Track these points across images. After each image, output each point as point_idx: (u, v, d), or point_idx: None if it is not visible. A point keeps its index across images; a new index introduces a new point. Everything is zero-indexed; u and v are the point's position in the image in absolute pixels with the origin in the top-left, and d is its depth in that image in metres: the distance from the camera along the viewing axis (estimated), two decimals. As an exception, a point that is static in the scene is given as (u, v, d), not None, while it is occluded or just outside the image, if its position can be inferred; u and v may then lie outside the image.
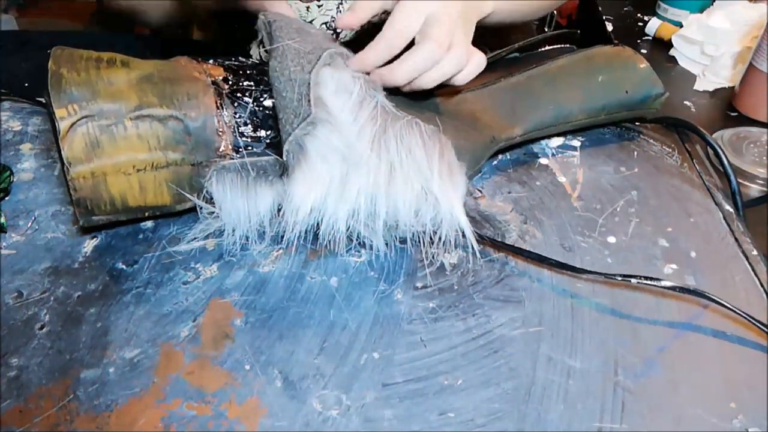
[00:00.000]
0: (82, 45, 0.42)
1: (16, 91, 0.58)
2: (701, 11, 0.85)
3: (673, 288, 0.40)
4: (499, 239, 0.46)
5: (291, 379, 0.36)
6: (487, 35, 0.57)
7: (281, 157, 0.41)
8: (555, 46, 0.62)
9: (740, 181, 0.54)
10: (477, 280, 0.43)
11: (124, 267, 0.43)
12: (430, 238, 0.43)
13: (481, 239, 0.44)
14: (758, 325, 0.38)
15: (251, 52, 0.67)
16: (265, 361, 0.37)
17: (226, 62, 0.45)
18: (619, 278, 0.41)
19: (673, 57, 0.84)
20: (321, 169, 0.41)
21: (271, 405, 0.35)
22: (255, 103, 0.43)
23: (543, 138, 0.56)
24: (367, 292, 0.41)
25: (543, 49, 0.62)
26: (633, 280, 0.41)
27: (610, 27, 0.93)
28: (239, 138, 0.42)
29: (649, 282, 0.41)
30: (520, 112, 0.52)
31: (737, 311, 0.39)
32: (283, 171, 0.42)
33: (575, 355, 0.38)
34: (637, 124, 0.59)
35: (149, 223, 0.46)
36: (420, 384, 0.36)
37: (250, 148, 0.42)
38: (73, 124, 0.38)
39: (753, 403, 0.35)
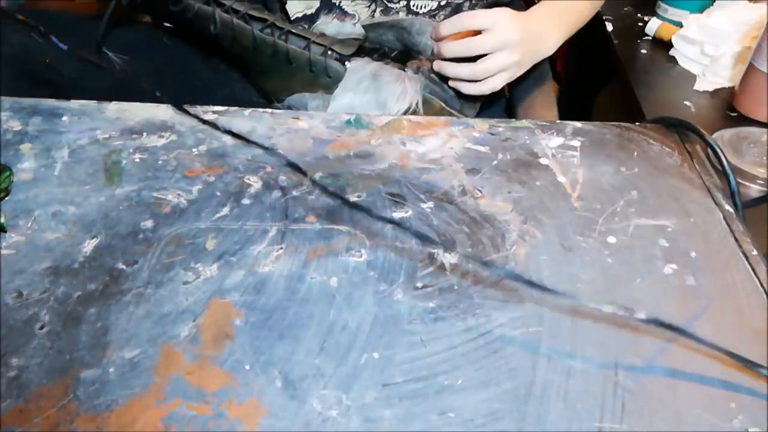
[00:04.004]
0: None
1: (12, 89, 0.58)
2: (701, 11, 0.85)
3: (647, 321, 0.36)
4: (499, 239, 0.46)
5: (291, 379, 0.36)
6: None
7: None
8: None
9: (740, 181, 0.54)
10: (477, 280, 0.43)
11: (124, 267, 0.43)
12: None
13: (476, 260, 0.44)
14: (735, 359, 0.37)
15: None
16: (265, 361, 0.37)
17: None
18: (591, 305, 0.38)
19: (673, 57, 0.84)
20: None
21: (271, 405, 0.35)
22: None
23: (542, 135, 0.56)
24: (367, 292, 0.41)
25: None
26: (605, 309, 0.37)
27: (610, 27, 0.93)
28: None
29: (623, 314, 0.37)
30: None
31: (713, 346, 0.37)
32: None
33: (575, 355, 0.38)
34: (637, 124, 0.59)
35: (149, 223, 0.46)
36: (420, 384, 0.36)
37: None
38: None
39: (753, 403, 0.35)
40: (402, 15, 0.71)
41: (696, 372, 0.37)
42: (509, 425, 0.34)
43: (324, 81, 0.66)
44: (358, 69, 0.64)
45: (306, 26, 0.74)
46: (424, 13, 0.71)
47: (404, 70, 0.66)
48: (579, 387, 0.36)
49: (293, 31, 0.66)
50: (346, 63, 0.65)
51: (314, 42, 0.65)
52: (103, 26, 0.64)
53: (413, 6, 0.70)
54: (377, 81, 0.64)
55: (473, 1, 0.73)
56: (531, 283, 0.41)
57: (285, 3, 0.74)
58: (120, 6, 0.64)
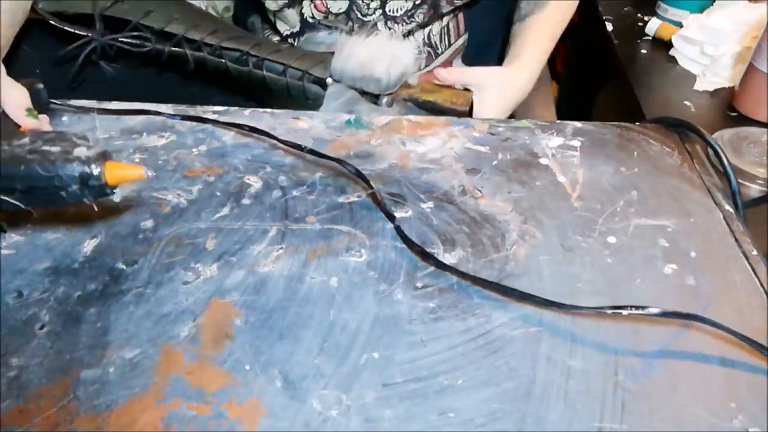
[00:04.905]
0: None
1: None
2: (701, 11, 0.85)
3: (662, 314, 0.38)
4: (499, 239, 0.46)
5: (291, 379, 0.36)
6: None
7: None
8: None
9: (740, 181, 0.54)
10: (477, 280, 0.42)
11: (124, 267, 0.43)
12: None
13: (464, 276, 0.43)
14: (752, 345, 0.38)
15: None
16: (265, 361, 0.37)
17: None
18: (609, 311, 0.39)
19: (673, 57, 0.84)
20: None
21: (271, 405, 0.35)
22: None
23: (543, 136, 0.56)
24: (367, 292, 0.41)
25: None
26: (624, 312, 0.39)
27: (610, 27, 0.93)
28: None
29: (638, 312, 0.39)
30: None
31: (730, 330, 0.38)
32: None
33: (575, 355, 0.38)
34: (637, 124, 0.59)
35: (149, 223, 0.46)
36: (420, 384, 0.36)
37: None
38: None
39: (753, 403, 0.35)
40: (380, 25, 0.70)
41: (696, 372, 0.37)
42: (509, 425, 0.34)
43: (304, 103, 0.66)
44: (336, 95, 0.64)
45: (292, 42, 0.74)
46: (401, 15, 0.71)
47: (377, 104, 0.66)
48: (579, 387, 0.36)
49: (269, 58, 0.65)
50: (327, 80, 0.64)
51: (291, 67, 0.64)
52: (75, 70, 0.64)
53: (389, 10, 0.70)
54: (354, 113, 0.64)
55: None
56: (523, 294, 0.41)
57: (275, 23, 0.74)
58: (91, 58, 0.64)
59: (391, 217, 0.46)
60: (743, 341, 0.38)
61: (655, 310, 0.38)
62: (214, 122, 0.55)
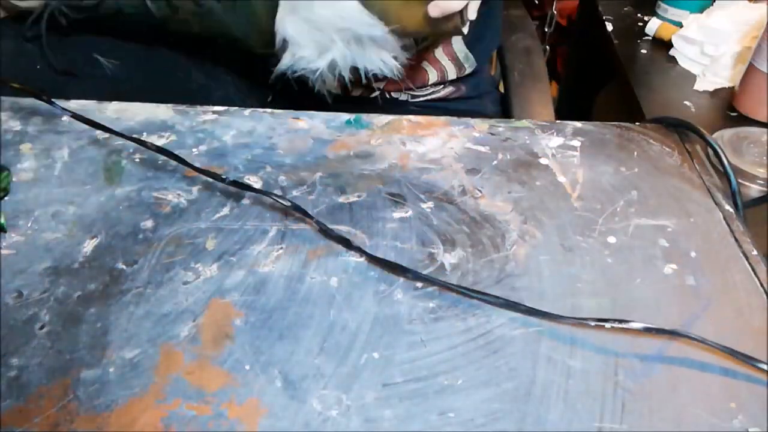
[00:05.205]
0: None
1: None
2: (701, 11, 0.85)
3: (646, 329, 0.39)
4: (499, 239, 0.46)
5: (291, 379, 0.36)
6: None
7: None
8: None
9: (740, 181, 0.54)
10: (477, 280, 0.43)
11: (124, 267, 0.43)
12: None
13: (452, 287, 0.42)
14: (739, 357, 0.37)
15: None
16: (265, 361, 0.37)
17: None
18: (593, 323, 0.39)
19: (673, 57, 0.84)
20: None
21: (271, 405, 0.35)
22: None
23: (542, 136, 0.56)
24: (367, 292, 0.41)
25: None
26: (606, 325, 0.39)
27: (610, 27, 0.93)
28: None
29: (619, 325, 0.39)
30: None
31: (713, 344, 0.38)
32: None
33: (575, 355, 0.38)
34: (637, 124, 0.59)
35: (149, 223, 0.46)
36: (420, 384, 0.36)
37: None
38: None
39: (753, 403, 0.35)
40: None
41: (696, 372, 0.37)
42: (509, 425, 0.34)
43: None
44: None
45: None
46: None
47: None
48: (579, 387, 0.36)
49: None
50: None
51: None
52: (44, 42, 0.63)
53: None
54: None
55: None
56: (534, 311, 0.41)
57: None
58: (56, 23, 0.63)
59: (345, 243, 0.45)
60: (727, 353, 0.37)
61: (637, 325, 0.38)
62: (185, 162, 0.50)
